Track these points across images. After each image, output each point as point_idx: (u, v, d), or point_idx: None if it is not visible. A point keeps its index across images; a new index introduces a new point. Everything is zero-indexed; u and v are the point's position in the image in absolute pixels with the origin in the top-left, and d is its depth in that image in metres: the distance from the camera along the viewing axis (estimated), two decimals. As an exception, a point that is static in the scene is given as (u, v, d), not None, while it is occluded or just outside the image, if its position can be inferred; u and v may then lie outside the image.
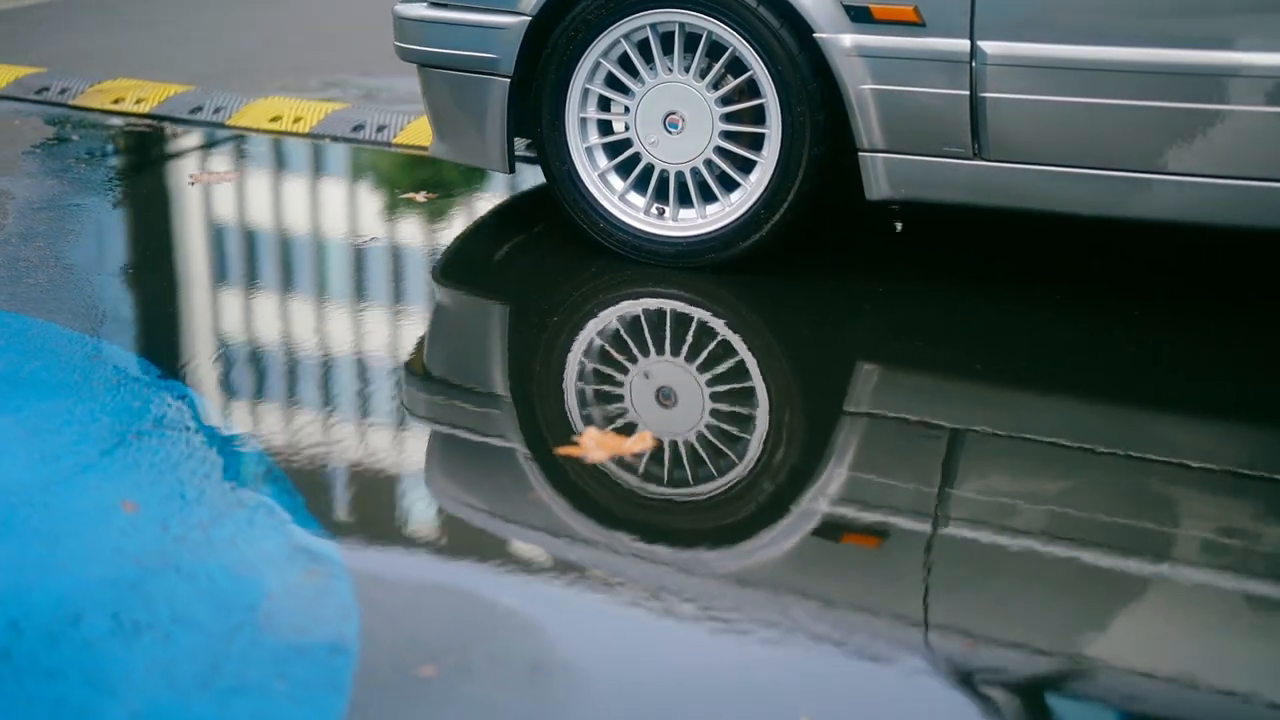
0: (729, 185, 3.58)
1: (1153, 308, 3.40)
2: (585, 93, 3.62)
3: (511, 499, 2.67)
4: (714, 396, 3.05)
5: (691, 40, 3.51)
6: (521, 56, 3.62)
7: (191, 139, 5.01)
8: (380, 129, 4.97)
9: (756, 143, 3.52)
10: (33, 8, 7.31)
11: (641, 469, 2.71)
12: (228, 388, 3.07)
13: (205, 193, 4.41)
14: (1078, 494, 2.60)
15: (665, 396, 3.07)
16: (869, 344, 3.36)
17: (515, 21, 3.61)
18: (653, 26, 3.51)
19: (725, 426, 2.92)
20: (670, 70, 3.54)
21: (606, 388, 3.10)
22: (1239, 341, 3.24)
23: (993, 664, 2.14)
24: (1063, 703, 2.09)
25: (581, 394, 3.06)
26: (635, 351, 3.24)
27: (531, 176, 4.42)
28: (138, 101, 5.32)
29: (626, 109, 3.60)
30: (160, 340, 3.36)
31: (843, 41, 3.32)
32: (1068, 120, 3.21)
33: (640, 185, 3.64)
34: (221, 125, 5.10)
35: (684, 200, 3.61)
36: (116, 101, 5.33)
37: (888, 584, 2.34)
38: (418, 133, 4.85)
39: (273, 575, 2.31)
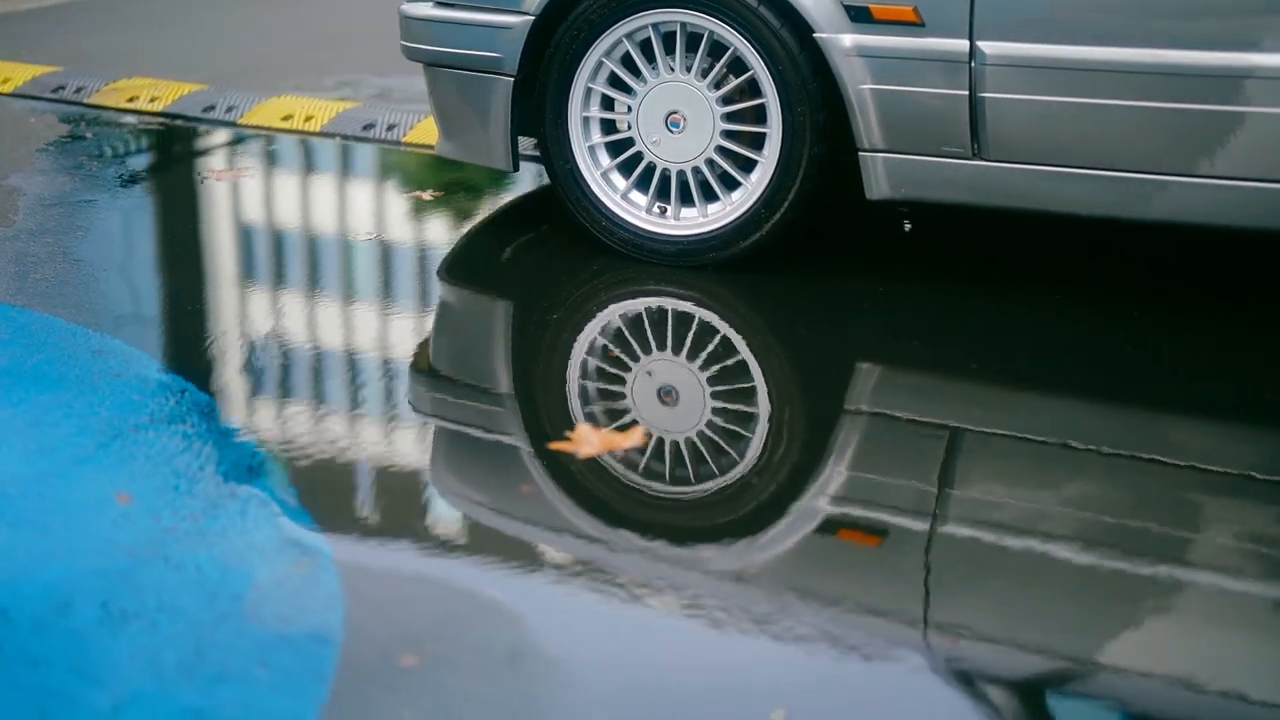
0: (730, 184, 3.59)
1: (1152, 308, 3.39)
2: (588, 92, 3.63)
3: (504, 493, 2.68)
4: (713, 395, 3.05)
5: (693, 40, 3.52)
6: (525, 55, 3.64)
7: (203, 137, 5.04)
8: (390, 128, 4.99)
9: (757, 142, 3.53)
10: (52, 8, 7.36)
11: (639, 466, 2.72)
12: (228, 382, 3.09)
13: (215, 190, 4.43)
14: (1077, 494, 2.60)
15: (665, 394, 3.07)
16: (868, 344, 3.36)
17: (519, 21, 3.63)
18: (654, 26, 3.52)
19: (724, 424, 2.92)
20: (672, 70, 3.55)
21: (605, 385, 3.11)
22: (1239, 341, 3.23)
23: (992, 664, 2.14)
24: (1062, 703, 2.09)
25: (580, 391, 3.07)
26: (636, 349, 3.25)
27: (539, 176, 4.44)
28: (151, 100, 5.35)
29: (629, 108, 3.61)
30: (163, 335, 3.38)
31: (843, 41, 3.33)
32: (1067, 120, 3.21)
33: (642, 184, 3.65)
34: (234, 124, 5.13)
35: (685, 199, 3.62)
36: (131, 100, 5.36)
37: (887, 583, 2.34)
38: (427, 132, 4.86)
39: (261, 566, 2.32)
